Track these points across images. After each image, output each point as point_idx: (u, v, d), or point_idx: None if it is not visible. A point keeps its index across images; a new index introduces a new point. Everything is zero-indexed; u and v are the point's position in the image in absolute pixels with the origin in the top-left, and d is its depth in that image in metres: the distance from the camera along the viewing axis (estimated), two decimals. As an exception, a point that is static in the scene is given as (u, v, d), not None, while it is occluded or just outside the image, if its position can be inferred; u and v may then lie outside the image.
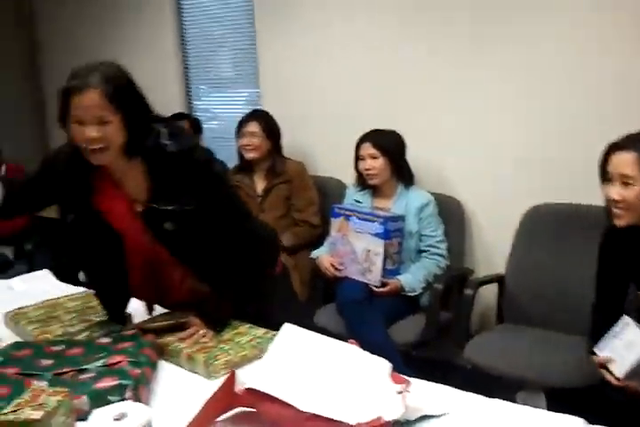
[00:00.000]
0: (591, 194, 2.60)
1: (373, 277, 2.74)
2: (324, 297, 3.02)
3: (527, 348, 2.50)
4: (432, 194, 2.94)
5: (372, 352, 2.48)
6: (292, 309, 3.00)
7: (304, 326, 2.77)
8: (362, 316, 2.65)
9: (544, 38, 2.72)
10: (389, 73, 3.18)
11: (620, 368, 1.82)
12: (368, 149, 2.88)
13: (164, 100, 4.02)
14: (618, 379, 1.83)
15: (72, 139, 1.59)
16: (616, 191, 1.83)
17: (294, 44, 3.51)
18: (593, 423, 1.35)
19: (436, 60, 3.02)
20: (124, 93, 1.57)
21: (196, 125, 3.62)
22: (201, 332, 1.71)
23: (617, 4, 2.53)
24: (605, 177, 1.87)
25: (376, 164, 2.87)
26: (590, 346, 1.97)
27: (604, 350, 1.89)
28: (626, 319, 1.84)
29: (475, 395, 1.49)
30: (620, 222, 1.85)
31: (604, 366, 1.87)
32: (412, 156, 2.95)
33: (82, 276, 3.41)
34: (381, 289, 2.74)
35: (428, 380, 1.55)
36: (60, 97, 1.56)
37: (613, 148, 1.86)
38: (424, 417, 1.35)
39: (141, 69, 4.10)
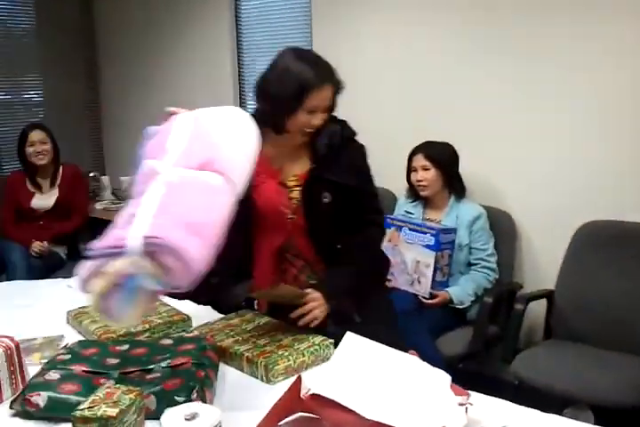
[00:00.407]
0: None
1: (423, 289, 2.75)
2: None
3: (574, 364, 2.48)
4: (484, 207, 2.94)
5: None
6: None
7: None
8: (410, 327, 2.65)
9: (616, 55, 2.71)
10: (445, 87, 3.20)
11: None
12: (420, 160, 2.90)
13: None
14: None
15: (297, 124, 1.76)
16: None
17: (350, 57, 3.53)
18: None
19: (494, 76, 3.03)
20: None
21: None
22: (318, 309, 1.75)
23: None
24: None
25: (428, 175, 2.88)
26: None
27: None
28: None
29: (530, 409, 1.50)
30: None
31: None
32: (465, 168, 2.96)
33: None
34: (430, 301, 2.75)
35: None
36: (296, 89, 1.72)
37: None
38: (484, 430, 1.36)
39: (196, 76, 4.29)
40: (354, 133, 1.93)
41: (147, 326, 1.87)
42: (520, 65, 2.93)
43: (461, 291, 2.77)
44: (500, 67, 3.00)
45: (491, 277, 2.84)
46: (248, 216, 1.74)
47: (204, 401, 1.41)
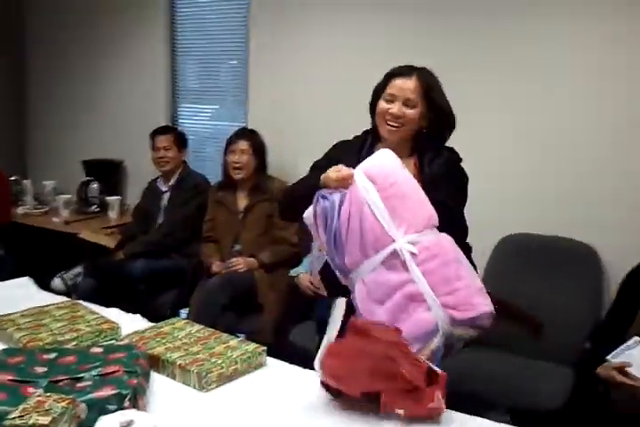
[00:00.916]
0: (560, 226, 2.76)
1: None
2: (300, 315, 3.05)
3: (495, 370, 2.59)
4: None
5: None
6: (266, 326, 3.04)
7: (279, 344, 2.84)
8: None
9: (565, 71, 2.83)
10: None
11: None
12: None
13: (151, 113, 4.12)
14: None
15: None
16: None
17: (285, 62, 3.59)
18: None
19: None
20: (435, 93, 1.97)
21: (181, 140, 3.65)
22: None
23: None
24: None
25: None
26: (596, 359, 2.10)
27: (618, 358, 2.02)
28: (637, 338, 2.02)
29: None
30: None
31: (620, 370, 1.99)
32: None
33: (56, 283, 3.45)
34: (359, 308, 2.79)
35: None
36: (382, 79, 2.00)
37: None
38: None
39: (130, 83, 4.23)
40: (460, 160, 2.05)
41: (74, 334, 1.84)
42: (456, 79, 3.02)
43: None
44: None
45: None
46: None
47: (138, 409, 1.40)
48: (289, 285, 3.07)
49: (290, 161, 3.56)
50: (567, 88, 2.82)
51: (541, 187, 2.90)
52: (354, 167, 1.81)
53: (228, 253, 3.24)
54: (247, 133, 3.35)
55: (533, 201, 2.90)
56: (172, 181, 3.60)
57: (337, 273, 1.84)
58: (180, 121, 4.23)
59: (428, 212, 1.80)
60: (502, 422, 1.65)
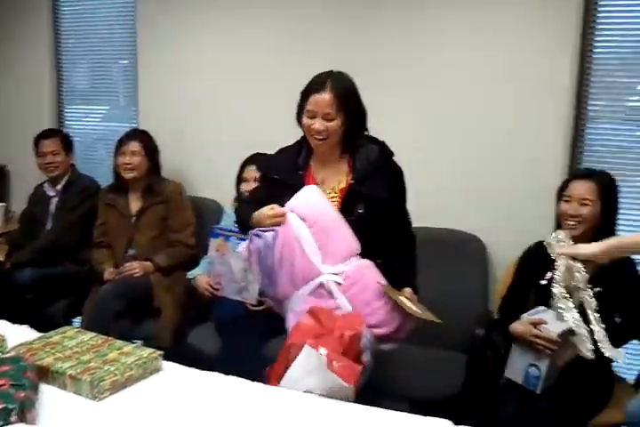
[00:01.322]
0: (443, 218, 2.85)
1: (250, 296, 2.79)
2: (198, 317, 3.01)
3: (393, 361, 2.66)
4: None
5: (247, 370, 2.53)
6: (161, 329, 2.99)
7: (179, 347, 2.80)
8: (238, 334, 2.69)
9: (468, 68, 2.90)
10: (270, 96, 3.27)
11: (554, 328, 2.08)
12: (254, 172, 2.95)
13: (35, 115, 3.94)
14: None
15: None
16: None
17: (173, 63, 3.53)
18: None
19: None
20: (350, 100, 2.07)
21: (67, 143, 3.51)
22: None
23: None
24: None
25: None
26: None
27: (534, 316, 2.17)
28: (542, 307, 2.20)
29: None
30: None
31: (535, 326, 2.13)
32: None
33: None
34: (257, 307, 2.79)
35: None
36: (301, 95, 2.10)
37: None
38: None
39: (11, 86, 4.02)
40: (392, 154, 2.17)
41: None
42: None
43: (288, 297, 2.85)
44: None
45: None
46: None
47: (26, 423, 1.35)
48: (186, 287, 3.03)
49: (184, 162, 3.52)
50: (468, 87, 2.91)
51: (435, 184, 2.98)
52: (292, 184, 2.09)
53: (122, 258, 3.15)
54: (138, 134, 3.27)
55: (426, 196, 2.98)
56: (59, 186, 3.46)
57: (269, 301, 2.18)
58: (68, 123, 4.07)
59: (350, 242, 2.03)
60: (401, 411, 1.71)
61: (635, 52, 2.72)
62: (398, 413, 1.66)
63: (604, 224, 2.30)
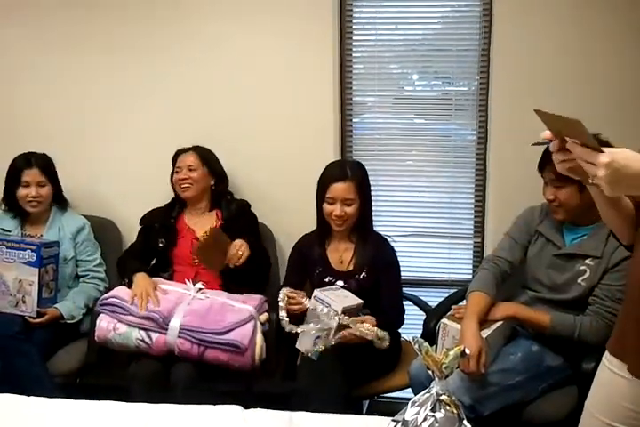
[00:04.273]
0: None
1: (29, 308, 2.61)
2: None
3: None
4: (87, 218, 2.92)
5: (30, 386, 2.38)
6: None
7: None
8: (18, 351, 2.50)
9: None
10: (36, 93, 3.09)
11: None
12: (35, 175, 2.75)
13: None
14: None
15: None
16: None
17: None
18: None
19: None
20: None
21: None
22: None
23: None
24: None
25: (43, 191, 2.77)
26: None
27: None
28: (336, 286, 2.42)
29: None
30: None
31: None
32: (66, 179, 2.89)
33: None
34: (38, 320, 2.62)
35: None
36: None
37: None
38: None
39: None
40: (248, 204, 2.86)
41: None
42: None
43: (71, 305, 2.70)
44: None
45: (101, 287, 2.83)
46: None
47: None
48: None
49: None
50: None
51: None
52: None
53: None
54: None
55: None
56: None
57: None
58: None
59: None
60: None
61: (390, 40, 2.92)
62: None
63: (362, 217, 2.51)
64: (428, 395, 1.21)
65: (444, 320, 2.25)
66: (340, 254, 2.55)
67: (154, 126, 3.03)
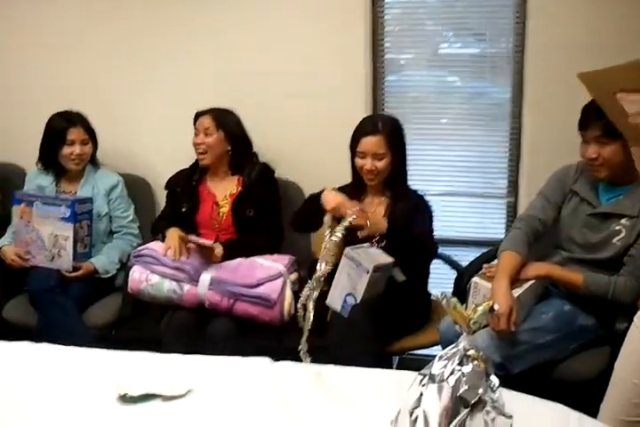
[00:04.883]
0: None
1: (64, 263, 2.67)
2: (13, 290, 2.82)
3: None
4: (121, 175, 2.95)
5: (66, 338, 2.44)
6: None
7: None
8: (54, 303, 2.57)
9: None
10: (66, 51, 3.10)
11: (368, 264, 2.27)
12: (80, 133, 2.78)
13: None
14: None
15: None
16: None
17: None
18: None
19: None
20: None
21: None
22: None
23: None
24: None
25: (87, 149, 2.81)
26: None
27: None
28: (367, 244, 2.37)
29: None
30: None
31: None
32: (102, 138, 2.92)
33: None
34: (74, 274, 2.68)
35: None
36: None
37: None
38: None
39: None
40: (272, 170, 2.79)
41: None
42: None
43: (106, 260, 2.76)
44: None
45: (134, 243, 2.88)
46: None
47: None
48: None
49: None
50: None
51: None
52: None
53: None
54: None
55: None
56: None
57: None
58: None
59: None
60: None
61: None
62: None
63: (394, 172, 2.47)
64: (455, 350, 1.21)
65: (475, 279, 2.24)
66: (374, 209, 2.51)
67: (187, 84, 3.02)
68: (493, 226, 2.94)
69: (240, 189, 2.71)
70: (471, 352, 1.20)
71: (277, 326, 2.45)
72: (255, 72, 2.93)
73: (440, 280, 2.54)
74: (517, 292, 2.11)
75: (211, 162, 2.72)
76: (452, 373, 1.18)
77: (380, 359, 2.29)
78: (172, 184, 2.82)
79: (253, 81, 2.94)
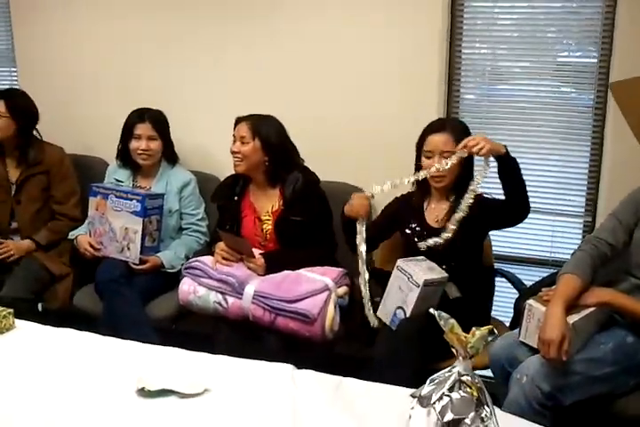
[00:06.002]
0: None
1: (132, 255, 2.77)
2: (86, 278, 2.96)
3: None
4: (194, 173, 3.02)
5: (129, 328, 2.53)
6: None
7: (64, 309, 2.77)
8: (119, 293, 2.67)
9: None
10: (154, 53, 3.23)
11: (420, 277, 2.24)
12: (146, 129, 2.88)
13: None
14: None
15: None
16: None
17: (53, 19, 3.38)
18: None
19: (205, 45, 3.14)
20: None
21: None
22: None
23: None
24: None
25: (153, 145, 2.89)
26: None
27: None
28: (422, 257, 2.33)
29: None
30: None
31: None
32: (177, 135, 3.01)
33: None
34: (140, 266, 2.78)
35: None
36: None
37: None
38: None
39: None
40: (316, 181, 2.63)
41: None
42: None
43: (172, 255, 2.84)
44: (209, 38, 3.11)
45: (202, 241, 2.95)
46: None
47: None
48: (73, 249, 2.97)
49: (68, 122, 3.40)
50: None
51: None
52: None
53: (5, 231, 3.04)
54: (6, 94, 3.03)
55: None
56: None
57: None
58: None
59: None
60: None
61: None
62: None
63: (462, 175, 2.35)
64: (449, 374, 1.14)
65: (530, 301, 2.11)
66: (437, 213, 2.43)
67: (263, 89, 3.06)
68: (566, 246, 2.77)
69: (281, 204, 2.61)
70: (465, 378, 1.13)
71: (319, 342, 2.39)
72: (326, 72, 2.95)
73: (500, 299, 2.41)
74: (573, 318, 1.97)
75: (244, 170, 2.62)
76: (440, 398, 1.11)
77: (421, 377, 2.21)
78: (216, 198, 2.78)
79: (322, 82, 2.96)
